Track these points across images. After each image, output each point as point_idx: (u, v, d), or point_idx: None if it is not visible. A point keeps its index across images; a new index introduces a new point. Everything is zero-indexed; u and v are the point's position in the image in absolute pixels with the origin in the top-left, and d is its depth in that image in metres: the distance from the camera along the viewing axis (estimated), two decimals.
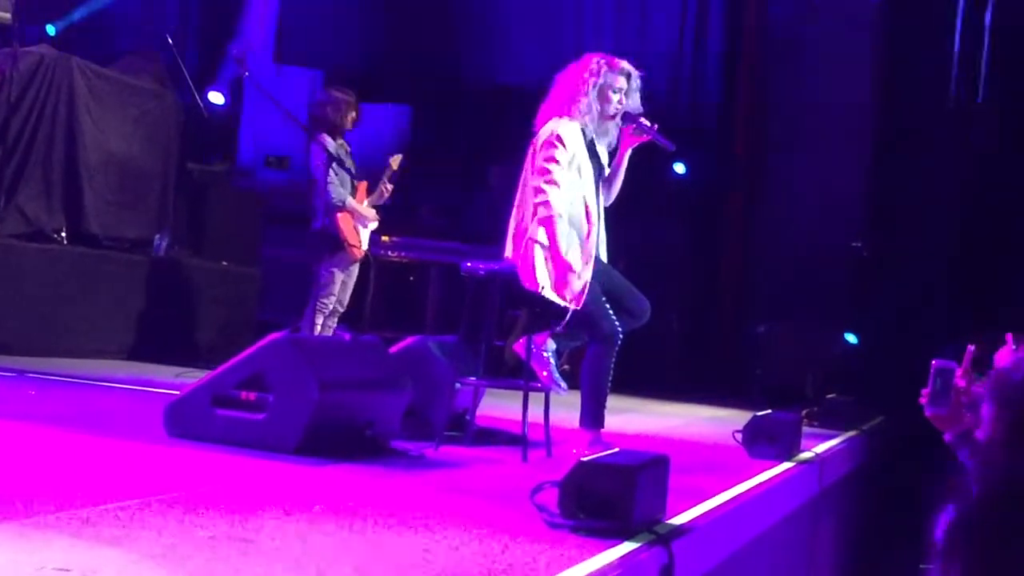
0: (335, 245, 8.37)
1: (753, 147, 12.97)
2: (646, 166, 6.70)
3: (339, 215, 8.35)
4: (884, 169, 12.27)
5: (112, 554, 3.03)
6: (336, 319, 8.61)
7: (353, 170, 8.42)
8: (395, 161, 8.64)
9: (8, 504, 3.46)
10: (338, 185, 8.31)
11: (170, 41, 10.61)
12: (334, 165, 8.08)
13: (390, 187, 8.61)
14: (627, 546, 3.69)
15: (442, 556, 3.40)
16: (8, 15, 8.93)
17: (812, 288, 12.33)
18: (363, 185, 8.62)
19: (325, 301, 8.36)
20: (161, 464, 4.58)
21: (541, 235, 5.77)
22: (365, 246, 8.59)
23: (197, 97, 10.76)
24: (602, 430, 5.94)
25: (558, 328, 5.85)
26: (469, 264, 5.98)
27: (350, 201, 8.42)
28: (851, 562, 8.74)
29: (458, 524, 3.88)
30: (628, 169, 6.20)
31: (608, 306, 5.87)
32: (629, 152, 6.13)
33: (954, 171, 11.79)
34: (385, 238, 9.66)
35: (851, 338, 11.29)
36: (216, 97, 10.18)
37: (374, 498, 4.23)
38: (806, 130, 12.55)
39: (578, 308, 5.76)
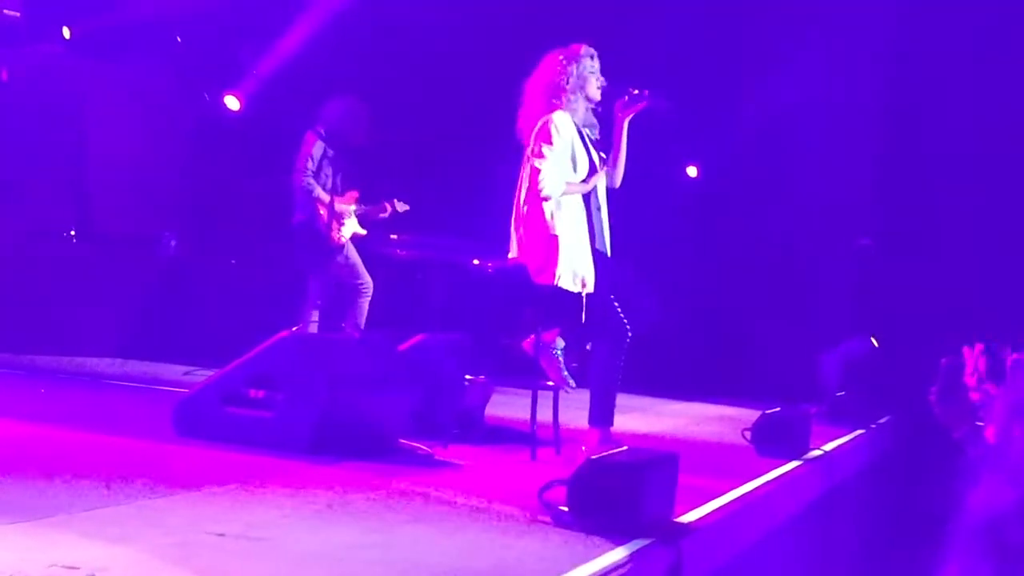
0: (315, 237, 8.27)
1: (761, 146, 12.95)
2: (657, 167, 6.69)
3: (318, 207, 8.25)
4: (892, 167, 12.28)
5: (120, 552, 3.03)
6: (368, 298, 8.50)
7: (330, 175, 8.31)
8: (400, 206, 8.69)
9: (18, 502, 3.47)
10: (311, 176, 8.23)
11: (179, 40, 10.62)
12: (321, 160, 8.08)
13: (382, 216, 8.66)
14: (635, 544, 3.68)
15: (452, 553, 3.40)
16: (17, 13, 8.95)
17: (820, 286, 12.33)
18: (353, 194, 8.54)
19: (319, 301, 8.33)
20: (170, 462, 4.59)
21: (554, 227, 5.77)
22: (347, 236, 8.47)
23: (208, 98, 10.76)
24: (611, 428, 5.94)
25: (578, 320, 5.82)
26: (478, 262, 5.97)
27: (321, 193, 8.24)
28: (861, 560, 8.72)
29: (468, 521, 3.88)
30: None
31: (616, 303, 5.87)
32: (626, 127, 6.12)
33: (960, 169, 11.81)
34: (393, 236, 9.66)
35: (874, 342, 11.23)
36: (232, 102, 10.15)
37: (383, 496, 4.23)
38: (813, 127, 12.54)
39: (591, 293, 5.77)
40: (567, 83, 5.95)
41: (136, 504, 3.64)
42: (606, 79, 6.11)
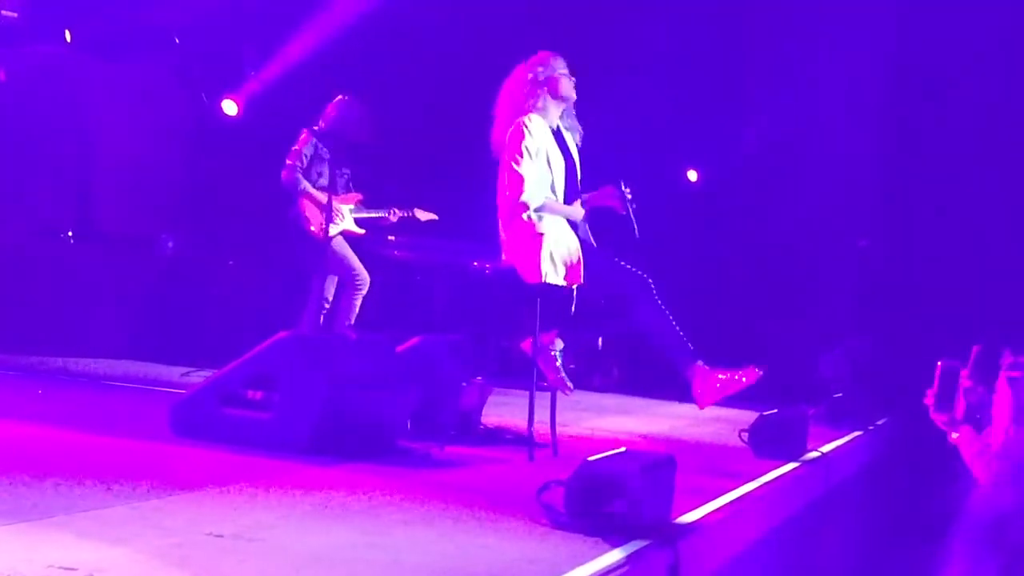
0: (301, 233, 8.28)
1: (761, 147, 12.97)
2: (657, 170, 6.70)
3: (303, 201, 8.26)
4: (893, 167, 12.30)
5: (118, 553, 3.03)
6: (362, 293, 8.50)
7: (324, 174, 8.28)
8: (422, 215, 8.66)
9: (15, 503, 3.47)
10: (299, 171, 8.24)
11: (177, 41, 10.61)
12: (312, 158, 8.09)
13: (393, 220, 8.64)
14: (633, 545, 3.68)
15: (450, 554, 3.40)
16: (15, 14, 8.95)
17: (821, 286, 12.34)
18: (355, 196, 8.53)
19: (323, 302, 8.34)
20: (168, 463, 4.59)
21: (538, 226, 5.79)
22: (333, 232, 8.43)
23: (206, 100, 10.75)
24: (700, 361, 5.93)
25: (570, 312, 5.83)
26: (476, 263, 5.98)
27: (307, 186, 8.24)
28: (859, 562, 8.73)
29: (465, 523, 3.88)
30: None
31: (621, 263, 5.87)
32: (597, 205, 6.14)
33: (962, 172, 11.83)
34: (391, 237, 9.64)
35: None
36: (230, 107, 10.11)
37: (381, 497, 4.23)
38: (813, 128, 12.55)
39: (582, 284, 5.77)
40: (533, 89, 5.97)
41: (134, 505, 3.64)
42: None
